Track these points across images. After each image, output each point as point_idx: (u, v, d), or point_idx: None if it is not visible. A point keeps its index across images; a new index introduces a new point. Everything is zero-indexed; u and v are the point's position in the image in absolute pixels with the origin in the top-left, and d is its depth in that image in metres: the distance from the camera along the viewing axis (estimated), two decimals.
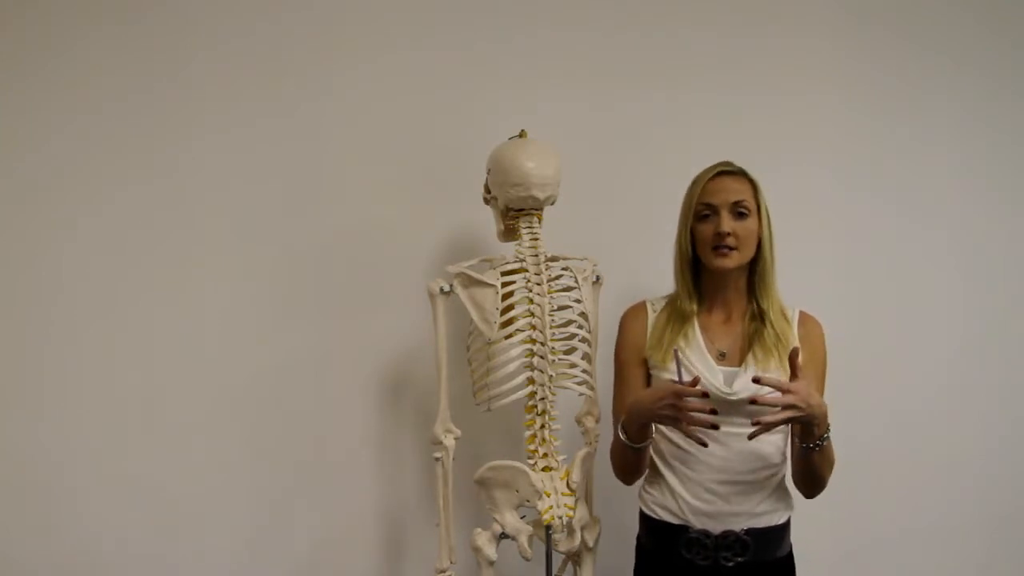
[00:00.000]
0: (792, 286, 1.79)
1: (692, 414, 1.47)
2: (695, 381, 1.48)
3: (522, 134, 1.72)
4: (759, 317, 1.73)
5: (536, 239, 1.68)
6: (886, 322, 2.28)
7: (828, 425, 1.58)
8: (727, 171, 1.72)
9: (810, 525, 1.89)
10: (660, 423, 1.56)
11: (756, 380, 1.48)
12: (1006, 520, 2.34)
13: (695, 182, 1.73)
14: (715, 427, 1.48)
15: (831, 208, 2.25)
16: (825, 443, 1.61)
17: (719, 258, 1.68)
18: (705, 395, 1.47)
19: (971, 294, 2.31)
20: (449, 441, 1.70)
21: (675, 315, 1.75)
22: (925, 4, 2.29)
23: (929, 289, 2.30)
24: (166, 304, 1.89)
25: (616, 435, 1.77)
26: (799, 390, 1.47)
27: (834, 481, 1.80)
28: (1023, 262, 2.33)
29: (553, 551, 1.72)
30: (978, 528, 2.33)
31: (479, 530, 1.67)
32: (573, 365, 1.70)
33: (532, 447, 1.67)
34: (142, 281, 1.88)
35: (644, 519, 1.78)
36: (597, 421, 1.79)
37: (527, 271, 1.66)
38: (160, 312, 1.89)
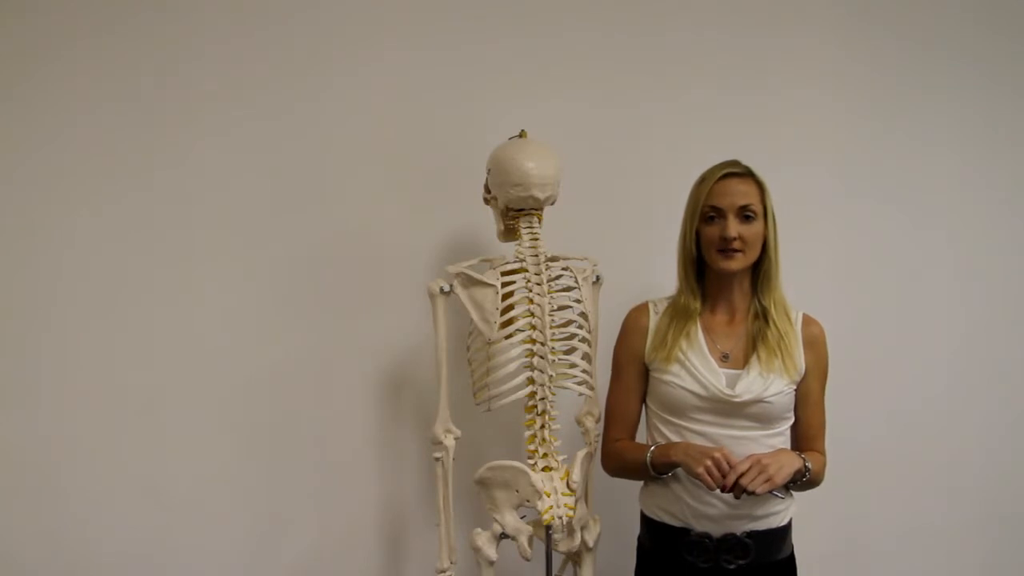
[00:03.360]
0: (794, 286, 1.79)
1: (712, 475, 1.55)
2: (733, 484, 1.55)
3: (522, 134, 1.72)
4: (762, 316, 1.74)
5: (536, 239, 1.68)
6: (886, 322, 2.28)
7: (802, 464, 1.64)
8: (734, 173, 1.71)
9: (810, 526, 1.90)
10: (689, 465, 1.60)
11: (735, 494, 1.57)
12: (1007, 520, 2.34)
13: (701, 182, 1.72)
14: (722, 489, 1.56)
15: (831, 208, 2.25)
16: (809, 475, 1.66)
17: (725, 260, 1.68)
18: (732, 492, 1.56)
19: (971, 294, 2.31)
20: (449, 441, 1.70)
21: (677, 315, 1.75)
22: (925, 4, 2.28)
23: (929, 289, 2.30)
24: (166, 305, 1.89)
25: (611, 435, 1.80)
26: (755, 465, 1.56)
27: (834, 481, 1.82)
28: (1023, 262, 2.33)
29: (553, 551, 1.72)
30: (978, 528, 2.33)
31: (479, 530, 1.67)
32: (573, 365, 1.70)
33: (532, 447, 1.67)
34: (142, 281, 1.88)
35: (645, 520, 1.78)
36: (597, 421, 1.79)
37: (527, 271, 1.66)
38: (160, 313, 1.88)
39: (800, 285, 1.85)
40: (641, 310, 1.80)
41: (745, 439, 1.66)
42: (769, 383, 1.66)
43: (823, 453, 1.78)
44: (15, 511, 1.83)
